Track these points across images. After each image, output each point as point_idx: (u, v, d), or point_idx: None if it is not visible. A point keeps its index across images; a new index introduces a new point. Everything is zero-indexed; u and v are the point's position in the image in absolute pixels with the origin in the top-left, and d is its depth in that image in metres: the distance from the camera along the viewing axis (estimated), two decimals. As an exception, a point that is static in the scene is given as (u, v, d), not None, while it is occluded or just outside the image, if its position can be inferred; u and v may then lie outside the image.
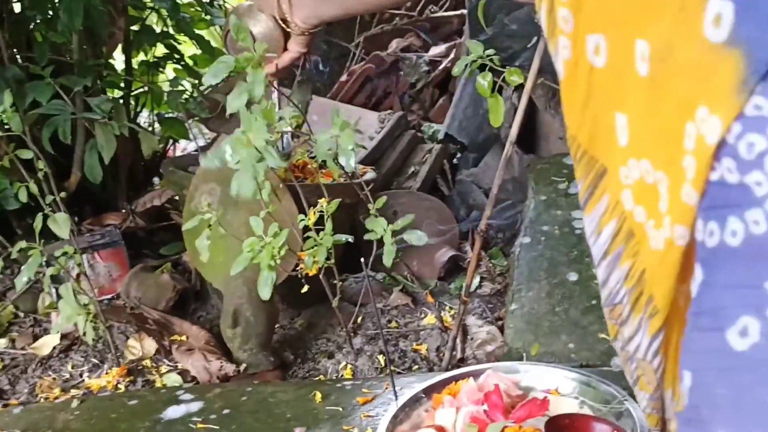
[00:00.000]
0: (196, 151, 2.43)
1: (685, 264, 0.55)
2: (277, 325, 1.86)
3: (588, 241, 0.64)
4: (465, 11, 2.66)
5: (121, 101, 2.39)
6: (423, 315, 1.94)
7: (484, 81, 1.34)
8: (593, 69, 0.58)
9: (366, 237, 1.43)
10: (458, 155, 2.55)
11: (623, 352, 0.67)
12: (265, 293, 1.38)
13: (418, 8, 3.12)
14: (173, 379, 1.69)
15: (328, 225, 1.46)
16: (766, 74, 0.46)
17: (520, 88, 2.16)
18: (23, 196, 1.55)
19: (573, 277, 1.64)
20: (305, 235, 1.53)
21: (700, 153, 0.50)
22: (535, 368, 1.33)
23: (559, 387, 1.28)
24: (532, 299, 1.60)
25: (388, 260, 1.39)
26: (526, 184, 2.21)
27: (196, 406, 1.48)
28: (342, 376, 1.68)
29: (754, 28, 0.47)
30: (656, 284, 0.58)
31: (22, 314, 2.01)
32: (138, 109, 2.63)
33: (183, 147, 3.31)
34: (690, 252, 0.54)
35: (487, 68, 1.34)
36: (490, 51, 1.35)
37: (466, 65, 1.35)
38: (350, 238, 1.50)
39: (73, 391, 1.69)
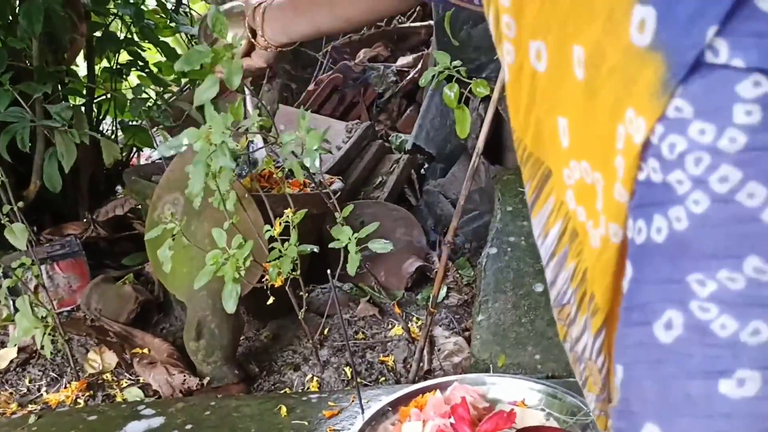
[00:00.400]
0: (160, 159, 2.39)
1: (620, 262, 0.56)
2: (242, 337, 1.83)
3: (537, 242, 0.65)
4: (432, 22, 2.67)
5: (83, 108, 2.34)
6: (390, 326, 1.93)
7: (451, 92, 1.34)
8: (536, 74, 0.60)
9: (331, 245, 1.42)
10: (426, 165, 2.55)
11: (572, 354, 0.68)
12: (230, 307, 1.36)
13: (386, 19, 3.13)
14: (134, 394, 1.65)
15: (294, 235, 1.44)
16: (685, 77, 0.49)
17: (486, 99, 2.18)
18: (-22, 206, 1.51)
19: (539, 288, 1.65)
20: (270, 245, 1.51)
21: (628, 153, 0.52)
22: (502, 380, 1.33)
23: (526, 399, 1.28)
24: (499, 310, 1.60)
25: (352, 269, 1.38)
26: (493, 194, 2.22)
27: (157, 421, 1.45)
28: (308, 388, 1.66)
29: (673, 33, 0.49)
30: (596, 282, 0.60)
31: (-23, 327, 1.96)
32: (101, 117, 2.58)
33: (147, 155, 3.26)
34: (624, 250, 0.55)
35: (454, 79, 1.34)
36: (457, 62, 1.35)
37: (433, 76, 1.35)
38: (315, 248, 1.49)
39: (31, 406, 1.64)
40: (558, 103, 0.59)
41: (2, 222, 1.53)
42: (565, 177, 0.61)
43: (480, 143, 1.48)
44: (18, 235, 1.49)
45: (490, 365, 1.49)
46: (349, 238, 1.36)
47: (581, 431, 1.18)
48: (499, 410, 1.22)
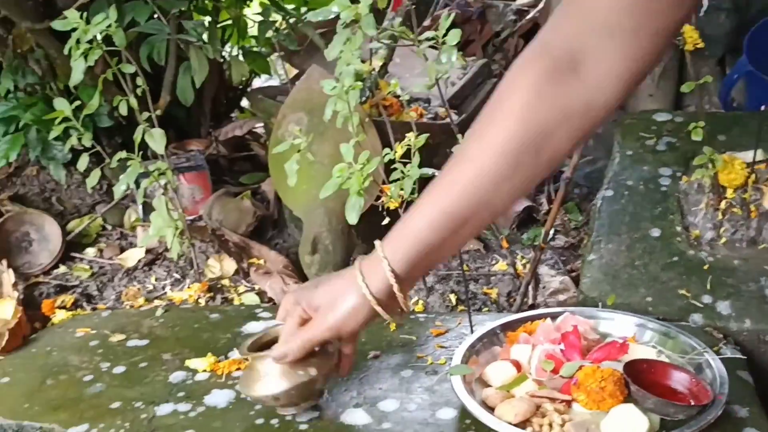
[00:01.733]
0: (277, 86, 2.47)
1: None
2: (351, 257, 1.89)
3: None
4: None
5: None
6: (494, 261, 1.95)
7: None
8: None
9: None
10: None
11: None
12: (353, 218, 1.41)
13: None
14: (251, 299, 1.76)
15: (416, 158, 1.47)
16: None
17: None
18: (123, 110, 1.61)
19: (655, 232, 1.62)
20: (390, 168, 1.55)
21: None
22: (614, 315, 1.34)
23: (637, 335, 1.28)
24: (611, 251, 1.59)
25: None
26: (608, 141, 2.17)
27: (274, 323, 1.53)
28: (414, 310, 1.71)
29: None
30: None
31: (109, 227, 2.11)
32: (224, 41, 2.67)
33: (257, 86, 3.36)
34: None
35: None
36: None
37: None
38: (436, 172, 1.51)
39: (157, 302, 1.77)
40: None
41: (143, 127, 1.63)
42: None
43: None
44: (157, 139, 1.59)
45: (599, 304, 1.49)
46: None
47: (693, 370, 1.17)
48: (612, 341, 1.22)
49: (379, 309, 0.98)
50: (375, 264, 0.98)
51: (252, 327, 1.52)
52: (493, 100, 0.87)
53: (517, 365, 1.21)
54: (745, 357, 1.27)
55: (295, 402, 1.16)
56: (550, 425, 1.08)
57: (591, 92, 0.80)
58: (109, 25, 1.56)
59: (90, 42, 1.55)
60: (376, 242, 0.98)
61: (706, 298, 1.45)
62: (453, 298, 1.75)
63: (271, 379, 1.13)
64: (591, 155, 2.30)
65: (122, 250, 2.01)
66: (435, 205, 0.91)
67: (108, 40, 1.65)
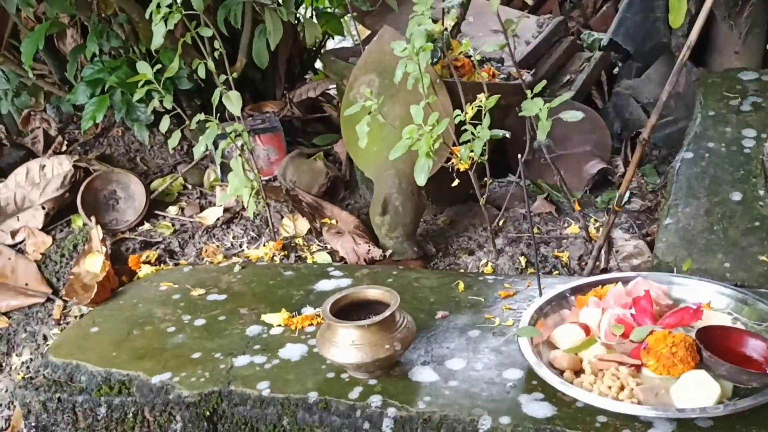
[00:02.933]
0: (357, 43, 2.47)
1: None
2: (421, 219, 1.91)
3: None
4: None
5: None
6: (566, 224, 1.93)
7: (670, -23, 1.26)
8: None
9: (521, 114, 1.43)
10: (619, 65, 2.43)
11: None
12: (421, 179, 1.42)
13: None
14: (323, 258, 1.80)
15: (486, 119, 1.47)
16: None
17: (699, -6, 2.02)
18: (202, 72, 1.66)
19: (736, 196, 1.56)
20: (460, 130, 1.55)
21: None
22: (689, 281, 1.31)
23: (712, 301, 1.26)
24: (689, 215, 1.55)
25: (542, 134, 1.38)
26: (689, 101, 2.09)
27: (345, 282, 1.58)
28: (482, 272, 1.72)
29: None
30: None
31: (189, 187, 2.19)
32: (300, 1, 2.69)
33: (331, 47, 3.37)
34: None
35: (675, -37, 1.26)
36: (680, -55, 1.26)
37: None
38: (507, 134, 1.50)
39: (234, 259, 1.84)
40: None
41: (220, 90, 1.68)
42: None
43: (692, 37, 1.39)
44: (233, 101, 1.64)
45: (674, 269, 1.46)
46: (540, 108, 1.36)
47: (771, 338, 1.14)
48: (685, 306, 1.20)
49: None
50: None
51: (324, 285, 1.57)
52: None
53: (586, 328, 1.21)
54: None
55: (371, 371, 1.20)
56: (621, 387, 1.08)
57: None
58: (188, -10, 1.60)
59: (170, 6, 1.60)
60: None
61: (788, 266, 1.40)
62: (523, 260, 1.75)
63: (354, 348, 1.17)
64: (671, 116, 2.22)
65: (202, 208, 2.09)
66: None
67: (187, 4, 1.70)
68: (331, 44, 3.31)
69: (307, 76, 2.89)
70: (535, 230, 1.90)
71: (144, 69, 1.66)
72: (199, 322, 1.47)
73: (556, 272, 1.73)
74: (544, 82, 1.49)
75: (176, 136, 1.69)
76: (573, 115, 1.39)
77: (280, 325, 1.41)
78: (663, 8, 2.05)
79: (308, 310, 1.45)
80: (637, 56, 2.21)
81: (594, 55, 2.38)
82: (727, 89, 1.87)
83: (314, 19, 2.72)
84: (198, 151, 1.64)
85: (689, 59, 2.12)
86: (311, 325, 1.40)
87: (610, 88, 2.47)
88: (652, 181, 2.10)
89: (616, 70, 2.48)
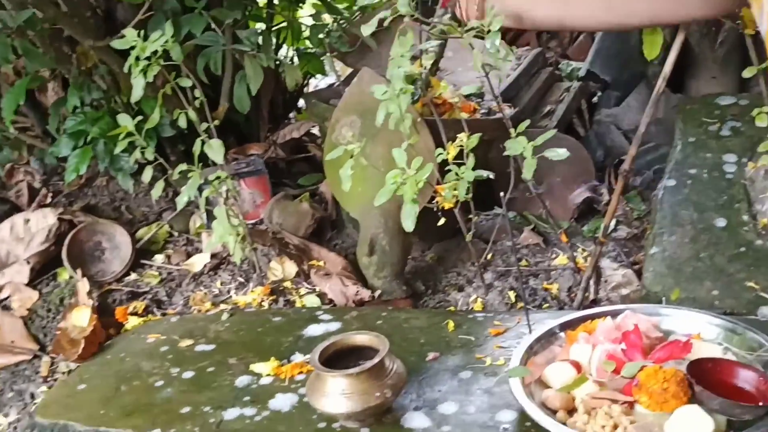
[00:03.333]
0: (331, 85, 2.49)
1: None
2: (409, 257, 1.91)
3: None
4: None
5: (264, 36, 2.47)
6: (554, 255, 1.93)
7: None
8: None
9: (506, 153, 1.44)
10: (598, 94, 2.46)
11: None
12: (408, 225, 1.42)
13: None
14: (312, 301, 1.79)
15: (470, 159, 1.47)
16: None
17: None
18: (183, 123, 1.66)
19: (721, 222, 1.57)
20: (445, 168, 1.55)
21: None
22: (677, 312, 1.30)
23: (702, 332, 1.25)
24: (675, 243, 1.55)
25: (528, 173, 1.38)
26: (670, 126, 2.11)
27: (334, 326, 1.56)
28: (472, 309, 1.72)
29: None
30: None
31: (176, 234, 2.19)
32: (279, 44, 2.71)
33: (315, 84, 3.40)
34: None
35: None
36: (649, -20, 1.28)
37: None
38: (491, 175, 1.51)
39: (223, 306, 1.82)
40: None
41: (202, 138, 1.68)
42: None
43: (668, 67, 1.41)
44: (215, 150, 1.64)
45: (663, 299, 1.46)
46: (524, 146, 1.36)
47: (762, 367, 1.13)
48: (674, 339, 1.20)
49: None
50: None
51: (313, 330, 1.56)
52: None
53: (577, 366, 1.20)
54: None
55: (363, 420, 1.18)
56: (615, 426, 1.07)
57: None
58: (166, 41, 1.60)
59: (148, 58, 1.60)
60: None
61: (776, 290, 1.40)
62: (512, 295, 1.74)
63: (344, 398, 1.15)
64: (653, 141, 2.24)
65: (189, 255, 2.08)
66: None
67: (166, 53, 1.70)
68: (314, 82, 3.34)
69: (291, 115, 2.90)
70: (524, 262, 1.89)
71: (125, 121, 1.66)
72: (188, 374, 1.46)
73: (546, 305, 1.73)
74: (528, 121, 1.50)
75: (159, 186, 1.69)
76: (558, 154, 1.40)
77: (269, 375, 1.40)
78: (638, 37, 2.08)
79: (298, 358, 1.44)
80: (615, 85, 2.24)
81: (573, 84, 2.41)
82: (705, 115, 1.89)
83: (296, 60, 2.74)
84: (181, 201, 1.63)
85: (668, 86, 2.16)
86: (301, 372, 1.38)
87: (591, 116, 2.49)
88: (637, 208, 2.11)
89: (596, 98, 2.51)
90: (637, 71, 2.20)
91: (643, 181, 2.15)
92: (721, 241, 1.53)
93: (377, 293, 1.76)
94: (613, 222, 2.02)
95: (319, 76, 3.07)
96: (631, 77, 2.23)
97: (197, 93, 1.70)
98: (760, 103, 1.56)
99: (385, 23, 1.43)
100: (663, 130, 2.22)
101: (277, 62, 2.50)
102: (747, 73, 1.49)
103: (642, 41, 1.50)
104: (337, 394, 1.16)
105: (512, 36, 2.85)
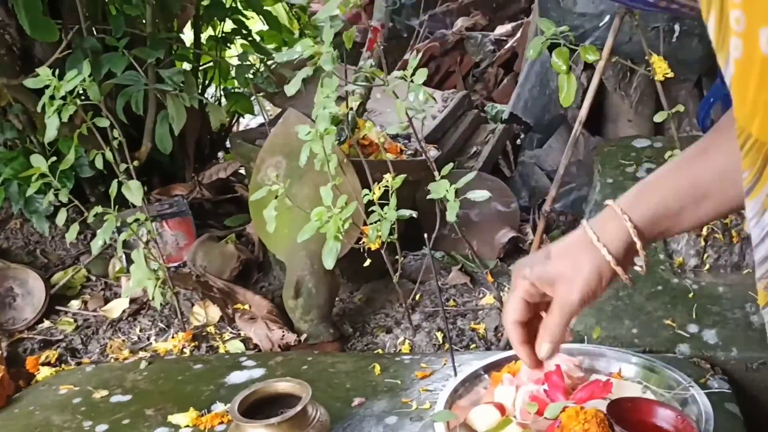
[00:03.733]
0: (261, 125, 2.47)
1: None
2: (336, 299, 1.88)
3: (749, 224, 0.64)
4: (534, -10, 2.62)
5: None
6: (481, 295, 1.94)
7: (559, 59, 1.32)
8: (765, 59, 0.58)
9: (430, 197, 1.44)
10: (522, 136, 2.52)
11: None
12: (329, 263, 1.40)
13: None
14: (236, 346, 1.74)
15: (393, 200, 1.47)
16: None
17: (589, 68, 2.13)
18: (99, 163, 1.61)
19: (638, 261, 1.61)
20: (369, 209, 1.55)
21: None
22: (598, 350, 1.32)
23: (622, 371, 1.27)
24: (595, 283, 1.58)
25: (451, 215, 1.39)
26: (590, 167, 2.18)
27: (258, 372, 1.52)
28: (400, 350, 1.70)
29: None
30: None
31: (93, 278, 2.10)
32: (206, 84, 2.69)
33: (246, 123, 3.37)
34: None
35: (562, 45, 1.32)
36: (564, 28, 1.33)
37: (542, 43, 1.33)
38: (414, 214, 1.51)
39: (141, 353, 1.75)
40: None
41: (120, 179, 1.63)
42: None
43: (583, 112, 1.45)
44: (134, 191, 1.59)
45: (585, 337, 1.48)
46: (447, 189, 1.37)
47: (680, 405, 1.16)
48: (595, 380, 1.21)
49: (618, 269, 0.90)
50: (609, 222, 0.89)
51: (236, 377, 1.51)
52: None
53: (501, 408, 1.19)
54: (730, 391, 1.26)
55: None
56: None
57: None
58: (83, 80, 1.56)
59: (64, 98, 1.55)
60: (609, 202, 0.92)
61: (692, 328, 1.44)
62: (440, 336, 1.74)
63: None
64: (575, 182, 2.31)
65: (107, 301, 1.99)
66: (679, 170, 0.84)
67: (84, 93, 1.66)
68: (245, 121, 3.31)
69: (219, 155, 2.86)
70: (451, 302, 1.90)
71: (38, 162, 1.60)
72: (101, 428, 1.38)
73: (474, 346, 1.73)
74: (452, 164, 1.52)
75: (74, 229, 1.62)
76: (481, 195, 1.42)
77: (188, 426, 1.34)
78: (557, 82, 2.15)
79: (218, 407, 1.38)
80: (537, 128, 2.30)
81: (498, 126, 2.47)
82: (622, 157, 1.95)
83: (223, 100, 2.72)
84: (95, 245, 1.57)
85: (586, 129, 2.23)
86: (221, 423, 1.33)
87: (515, 157, 2.55)
88: (561, 247, 2.15)
89: (519, 140, 2.57)
90: (558, 114, 2.27)
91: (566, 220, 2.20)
92: (639, 280, 1.57)
93: (303, 337, 1.73)
94: (538, 261, 2.06)
95: (249, 116, 3.06)
96: (552, 120, 2.30)
97: (116, 133, 1.65)
98: (673, 146, 1.62)
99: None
100: (584, 171, 2.28)
101: (204, 102, 2.47)
102: (658, 118, 1.55)
103: (560, 86, 1.55)
104: None
105: (439, 79, 2.91)
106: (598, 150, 2.01)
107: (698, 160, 0.83)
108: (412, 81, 1.41)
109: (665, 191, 0.86)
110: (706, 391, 1.18)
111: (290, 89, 1.34)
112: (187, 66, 2.50)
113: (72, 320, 1.91)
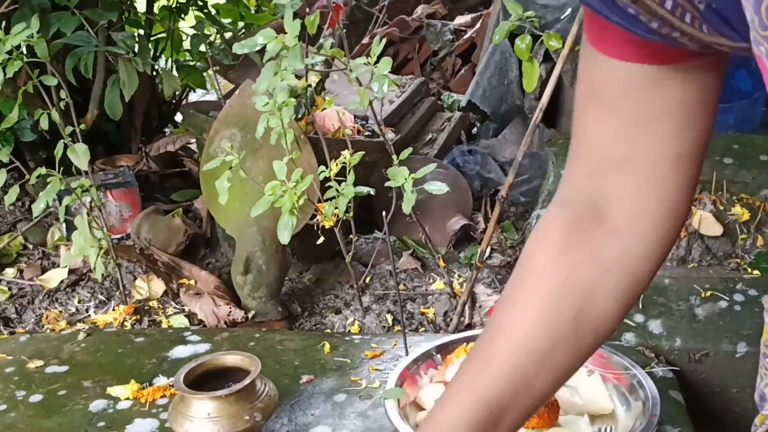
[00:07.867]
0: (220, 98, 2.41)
1: None
2: (286, 278, 1.85)
3: None
4: (495, -19, 2.62)
5: (142, 42, 2.36)
6: (431, 281, 1.94)
7: (522, 43, 1.32)
8: None
9: (387, 184, 1.42)
10: (477, 125, 2.53)
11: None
12: (284, 237, 1.37)
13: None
14: (180, 321, 1.69)
15: (351, 176, 1.45)
16: None
17: (548, 59, 2.14)
18: (45, 124, 1.54)
19: None
20: (326, 185, 1.52)
21: None
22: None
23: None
24: (546, 270, 1.59)
25: (407, 207, 1.37)
26: (543, 160, 2.20)
27: (203, 347, 1.48)
28: (349, 331, 1.68)
29: None
30: None
31: (30, 246, 2.01)
32: (157, 54, 2.60)
33: (196, 99, 3.28)
34: None
35: (527, 31, 1.32)
36: (530, 13, 1.33)
37: (508, 29, 1.33)
38: (371, 191, 1.49)
39: (79, 325, 1.69)
40: None
41: (66, 143, 1.56)
42: None
43: (545, 99, 1.46)
44: (80, 155, 1.52)
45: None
46: (405, 178, 1.35)
47: (627, 390, 1.18)
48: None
49: None
50: None
51: (180, 351, 1.46)
52: (519, 264, 0.73)
53: (453, 388, 1.19)
54: (674, 379, 1.29)
55: None
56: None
57: (624, 239, 0.67)
58: (31, 36, 1.48)
59: (10, 53, 1.47)
60: None
61: (639, 318, 1.47)
62: (389, 318, 1.73)
63: (210, 422, 1.08)
64: (527, 174, 2.32)
65: (44, 270, 1.91)
66: (468, 390, 0.70)
67: (31, 51, 1.58)
68: (193, 97, 3.22)
69: (166, 129, 2.77)
70: (402, 287, 1.89)
71: (-24, 119, 1.51)
72: (35, 398, 1.32)
73: (423, 329, 1.72)
74: (410, 149, 1.50)
75: (14, 191, 1.54)
76: (438, 188, 1.40)
77: (128, 398, 1.29)
78: (516, 72, 2.16)
79: (161, 380, 1.34)
80: (493, 117, 2.30)
81: (454, 115, 2.47)
82: (576, 150, 1.98)
83: (175, 72, 2.63)
84: (37, 208, 1.50)
85: (541, 121, 2.25)
86: (164, 396, 1.29)
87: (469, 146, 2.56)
88: (511, 237, 2.17)
89: (475, 129, 2.58)
90: (514, 104, 2.28)
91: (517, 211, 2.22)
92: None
93: (251, 314, 1.69)
94: (488, 250, 2.07)
95: (200, 91, 2.98)
96: (509, 110, 2.31)
97: (63, 94, 1.58)
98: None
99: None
100: (537, 164, 2.30)
101: (155, 71, 2.39)
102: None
103: (521, 74, 1.55)
104: (203, 418, 1.08)
105: (396, 66, 2.89)
106: (552, 141, 2.03)
107: (481, 370, 0.70)
108: (375, 68, 1.38)
109: (455, 419, 0.70)
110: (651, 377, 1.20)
111: (240, 48, 1.28)
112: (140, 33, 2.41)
113: (6, 288, 1.83)
